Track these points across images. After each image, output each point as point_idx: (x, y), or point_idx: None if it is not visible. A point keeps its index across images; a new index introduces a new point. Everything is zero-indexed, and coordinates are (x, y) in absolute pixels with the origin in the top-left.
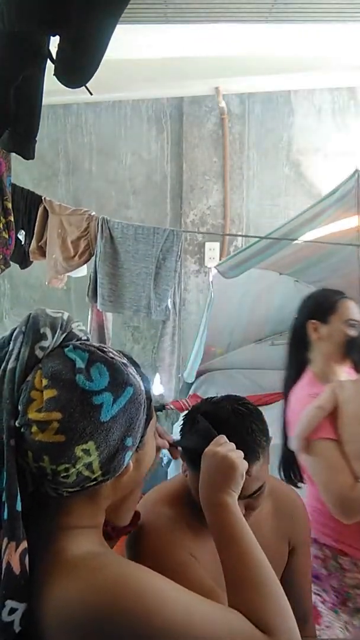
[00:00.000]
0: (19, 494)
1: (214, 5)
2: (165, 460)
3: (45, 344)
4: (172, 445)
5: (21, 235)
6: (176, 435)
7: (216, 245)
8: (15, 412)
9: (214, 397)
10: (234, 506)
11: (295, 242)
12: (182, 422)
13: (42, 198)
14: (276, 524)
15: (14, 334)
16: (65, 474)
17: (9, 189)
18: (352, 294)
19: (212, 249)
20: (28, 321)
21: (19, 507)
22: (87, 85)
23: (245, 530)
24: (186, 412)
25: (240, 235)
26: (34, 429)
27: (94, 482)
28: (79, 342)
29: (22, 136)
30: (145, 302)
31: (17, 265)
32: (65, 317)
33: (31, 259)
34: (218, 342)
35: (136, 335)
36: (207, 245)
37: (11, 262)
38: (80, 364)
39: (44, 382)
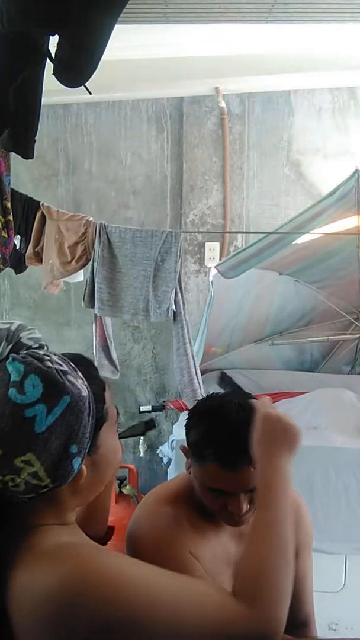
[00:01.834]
0: None
1: (214, 5)
2: (165, 460)
3: None
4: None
5: (17, 240)
6: (178, 436)
7: (216, 245)
8: None
9: (218, 392)
10: (289, 474)
11: (295, 241)
12: (186, 418)
13: (40, 204)
14: None
15: None
16: (13, 484)
17: (8, 188)
18: (352, 294)
19: (212, 249)
20: None
21: None
22: (87, 84)
23: (286, 503)
24: (187, 411)
25: (240, 232)
26: None
27: (47, 489)
28: (24, 352)
29: (22, 136)
30: (144, 305)
31: None
32: (13, 328)
33: (27, 264)
34: (218, 342)
35: (136, 335)
36: (207, 245)
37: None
38: (15, 376)
39: None
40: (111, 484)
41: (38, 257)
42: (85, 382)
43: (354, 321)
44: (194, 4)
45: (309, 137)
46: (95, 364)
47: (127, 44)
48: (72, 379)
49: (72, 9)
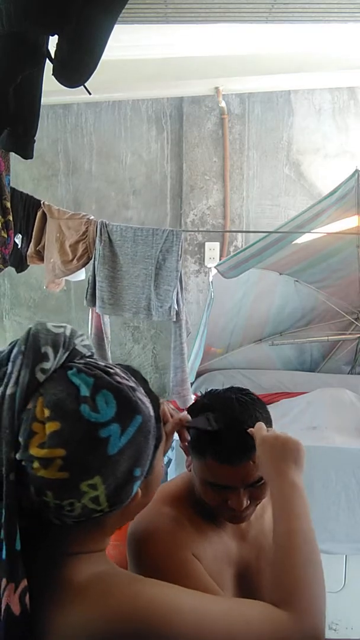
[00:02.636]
0: (18, 531)
1: (214, 5)
2: (165, 460)
3: (46, 365)
4: (187, 427)
5: (18, 239)
6: (177, 436)
7: (216, 245)
8: (16, 444)
9: (217, 389)
10: (302, 487)
11: (295, 241)
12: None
13: (41, 202)
14: None
15: (13, 354)
16: (70, 508)
17: (8, 188)
18: (352, 294)
19: (212, 249)
20: (27, 339)
21: (18, 545)
22: (87, 85)
23: (307, 511)
24: (186, 411)
25: (240, 232)
26: (36, 464)
27: (101, 514)
28: (83, 361)
29: (21, 136)
30: (145, 303)
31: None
32: (68, 333)
33: (28, 263)
34: (218, 342)
35: (136, 335)
36: (207, 245)
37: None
38: (84, 391)
39: (46, 412)
40: None
41: (39, 256)
42: (149, 399)
43: (354, 321)
44: (194, 4)
45: (309, 137)
46: None
47: (127, 44)
48: (141, 396)
49: (71, 9)
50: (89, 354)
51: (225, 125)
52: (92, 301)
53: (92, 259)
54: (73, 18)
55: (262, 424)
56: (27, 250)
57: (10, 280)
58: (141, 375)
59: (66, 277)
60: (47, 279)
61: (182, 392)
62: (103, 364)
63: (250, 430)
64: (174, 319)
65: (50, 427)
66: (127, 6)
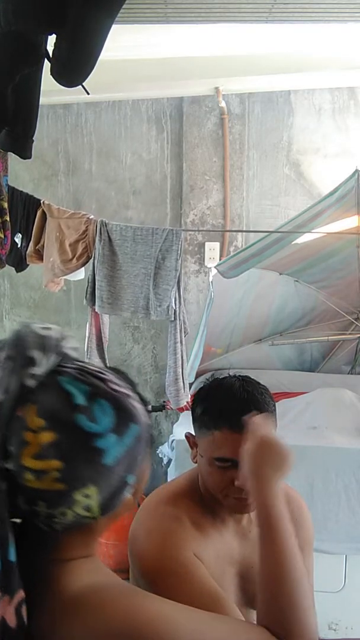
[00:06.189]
0: (12, 542)
1: (214, 5)
2: (165, 460)
3: (36, 370)
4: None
5: (18, 239)
6: (178, 435)
7: (216, 245)
8: (5, 453)
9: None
10: (281, 504)
11: (295, 241)
12: (191, 406)
13: (41, 202)
14: None
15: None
16: (61, 516)
17: (5, 189)
18: (352, 294)
19: (212, 249)
20: (14, 343)
21: (12, 557)
22: (88, 84)
23: (288, 530)
24: (187, 411)
25: (240, 231)
26: (29, 476)
27: (93, 520)
28: (74, 366)
29: (20, 136)
30: (144, 302)
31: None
32: (56, 335)
33: (28, 262)
34: (218, 342)
35: (136, 335)
36: (207, 245)
37: (7, 265)
38: (80, 399)
39: (40, 422)
40: None
41: (39, 255)
42: (142, 406)
43: (354, 321)
44: (194, 4)
45: (309, 137)
46: (85, 360)
47: (127, 44)
48: (136, 404)
49: (70, 9)
50: (77, 356)
51: (225, 125)
52: (92, 300)
53: (92, 258)
54: (71, 17)
55: (260, 418)
56: (26, 249)
57: (10, 280)
58: (129, 378)
59: (66, 277)
60: (46, 278)
61: (174, 392)
62: (95, 368)
63: (247, 422)
64: (172, 318)
65: (45, 437)
66: (127, 6)
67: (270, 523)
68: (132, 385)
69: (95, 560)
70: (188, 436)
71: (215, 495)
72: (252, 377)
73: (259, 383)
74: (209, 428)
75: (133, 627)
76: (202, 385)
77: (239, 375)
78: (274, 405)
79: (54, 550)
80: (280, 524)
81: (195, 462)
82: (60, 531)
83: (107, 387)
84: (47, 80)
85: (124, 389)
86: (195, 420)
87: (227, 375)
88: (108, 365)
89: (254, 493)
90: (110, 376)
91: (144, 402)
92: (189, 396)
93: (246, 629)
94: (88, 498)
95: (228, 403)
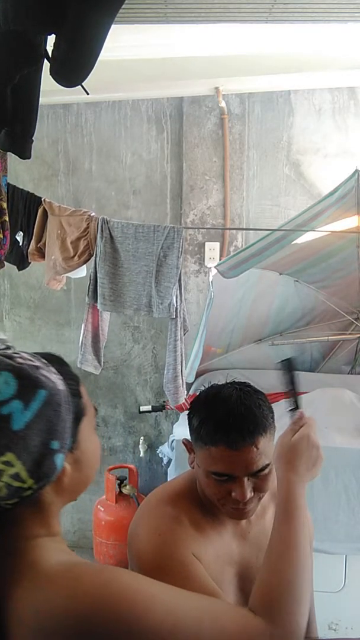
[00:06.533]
0: None
1: (214, 5)
2: (165, 460)
3: None
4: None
5: (19, 237)
6: (178, 436)
7: (216, 245)
8: None
9: (218, 384)
10: (304, 499)
11: (295, 240)
12: (187, 413)
13: (42, 200)
14: None
15: None
16: None
17: (4, 189)
18: (352, 294)
19: (212, 249)
20: None
21: None
22: (88, 84)
23: (305, 522)
24: (187, 411)
25: (241, 229)
26: None
27: (31, 491)
28: None
29: (19, 136)
30: (146, 300)
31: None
32: None
33: (30, 261)
34: (218, 342)
35: (136, 335)
36: (207, 245)
37: (9, 264)
38: None
39: None
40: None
41: (40, 253)
42: (60, 377)
43: (354, 321)
44: (194, 4)
45: (309, 137)
46: (79, 357)
47: (127, 44)
48: (45, 373)
49: (69, 9)
50: (3, 347)
51: (225, 125)
52: (94, 298)
53: (94, 255)
54: (70, 17)
55: (314, 422)
56: (28, 247)
57: (10, 280)
58: (61, 359)
59: (67, 274)
60: (48, 276)
61: (173, 390)
62: (10, 351)
63: (301, 419)
64: (173, 316)
65: None
66: (127, 6)
67: (290, 509)
68: (64, 365)
69: (62, 542)
70: (185, 442)
71: (212, 502)
72: (251, 383)
73: (257, 391)
74: (205, 443)
75: (108, 594)
76: (199, 391)
77: (237, 384)
78: (272, 418)
79: (15, 527)
80: (301, 512)
81: (193, 467)
82: (10, 507)
83: (13, 361)
84: (47, 80)
85: (35, 363)
86: (192, 431)
87: (225, 383)
88: (102, 362)
89: (282, 476)
90: (21, 354)
91: (74, 377)
92: (187, 395)
93: (225, 609)
94: (10, 466)
95: (225, 419)
